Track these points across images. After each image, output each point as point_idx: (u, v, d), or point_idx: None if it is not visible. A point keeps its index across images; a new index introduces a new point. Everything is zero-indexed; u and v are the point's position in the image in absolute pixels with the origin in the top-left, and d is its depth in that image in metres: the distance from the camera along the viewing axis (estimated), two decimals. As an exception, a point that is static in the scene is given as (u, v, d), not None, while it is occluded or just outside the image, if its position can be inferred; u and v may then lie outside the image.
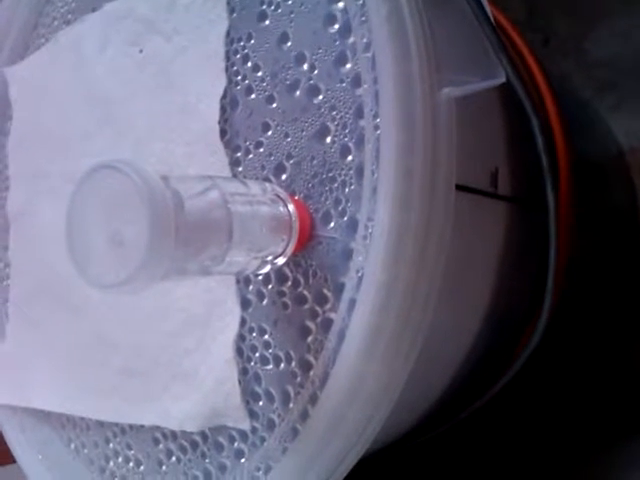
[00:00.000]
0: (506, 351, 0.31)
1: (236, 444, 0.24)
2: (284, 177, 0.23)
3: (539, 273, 0.29)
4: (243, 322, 0.24)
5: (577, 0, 0.39)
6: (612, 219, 0.37)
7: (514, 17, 0.38)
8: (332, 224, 0.22)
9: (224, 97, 0.24)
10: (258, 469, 0.23)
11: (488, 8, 0.22)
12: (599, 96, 0.38)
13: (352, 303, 0.21)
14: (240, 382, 0.24)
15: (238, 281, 0.24)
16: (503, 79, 0.21)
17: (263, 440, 0.23)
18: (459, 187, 0.23)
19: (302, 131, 0.22)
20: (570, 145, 0.31)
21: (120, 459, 0.29)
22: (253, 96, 0.24)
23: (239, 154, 0.24)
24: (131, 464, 0.28)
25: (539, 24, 0.40)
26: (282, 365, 0.23)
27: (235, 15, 0.25)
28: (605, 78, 0.38)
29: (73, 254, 0.17)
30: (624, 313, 0.35)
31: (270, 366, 0.23)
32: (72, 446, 0.31)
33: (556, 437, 0.35)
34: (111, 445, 0.29)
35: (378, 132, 0.20)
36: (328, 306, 0.22)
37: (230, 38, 0.25)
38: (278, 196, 0.21)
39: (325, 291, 0.22)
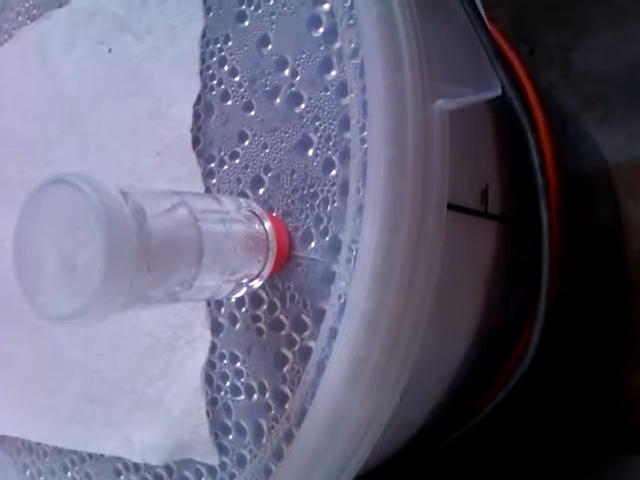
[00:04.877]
0: (494, 372, 0.30)
1: (203, 480, 0.22)
2: (261, 191, 0.21)
3: (527, 293, 0.28)
4: (213, 348, 0.22)
5: (563, 11, 0.38)
6: (596, 236, 0.36)
7: (498, 25, 0.37)
8: (313, 244, 0.20)
9: (198, 103, 0.23)
10: (227, 509, 0.21)
11: (484, 15, 0.21)
12: (585, 110, 0.38)
13: (333, 332, 0.19)
14: (209, 413, 0.22)
15: (209, 304, 0.22)
16: (499, 92, 0.20)
17: (233, 477, 0.21)
18: (449, 206, 0.22)
19: (282, 142, 0.21)
20: (560, 162, 0.29)
21: (78, 489, 0.27)
22: (229, 102, 0.22)
23: (213, 165, 0.22)
24: (90, 495, 0.26)
25: (524, 34, 0.39)
26: (255, 396, 0.21)
27: (212, 15, 0.23)
28: (591, 91, 0.37)
29: (21, 280, 0.15)
30: (609, 332, 0.35)
31: (242, 397, 0.21)
32: (27, 473, 0.29)
33: (544, 456, 0.34)
34: (69, 474, 0.27)
35: (365, 146, 0.19)
36: (307, 333, 0.20)
37: (206, 39, 0.23)
38: (254, 213, 0.19)
39: (304, 317, 0.20)
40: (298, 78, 0.21)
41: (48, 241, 0.14)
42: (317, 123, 0.20)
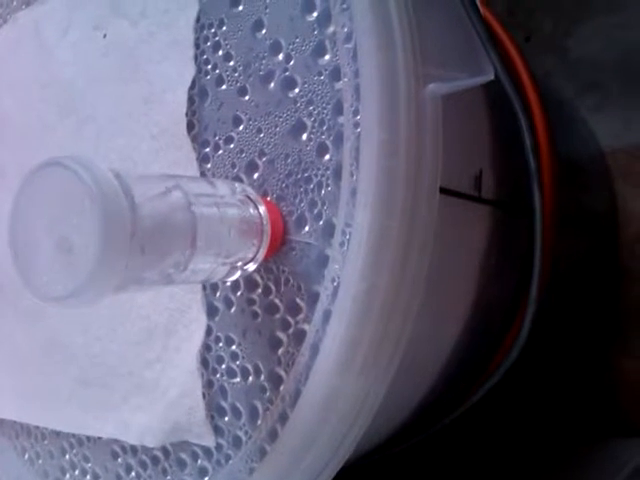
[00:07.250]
0: (486, 358, 0.30)
1: (199, 461, 0.23)
2: (256, 176, 0.21)
3: (520, 278, 0.28)
4: (209, 331, 0.22)
5: (559, -3, 0.38)
6: (591, 222, 0.36)
7: (493, 12, 0.37)
8: (307, 228, 0.20)
9: (192, 87, 0.23)
10: (223, 489, 0.22)
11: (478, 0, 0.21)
12: (581, 96, 0.37)
13: (327, 314, 0.19)
14: (204, 395, 0.22)
15: (204, 287, 0.22)
16: (492, 76, 0.20)
17: (228, 458, 0.22)
18: (442, 190, 0.22)
19: (276, 127, 0.21)
20: (554, 146, 0.29)
21: (77, 472, 0.27)
22: (224, 87, 0.22)
23: (208, 150, 0.22)
24: (88, 477, 0.27)
25: (520, 20, 0.39)
26: (250, 378, 0.21)
27: (206, -1, 0.23)
28: (587, 78, 0.37)
29: (17, 262, 0.15)
30: (603, 317, 0.35)
31: (237, 379, 0.21)
32: (26, 456, 0.29)
33: (537, 439, 0.34)
34: (67, 457, 0.28)
35: (358, 130, 0.19)
36: (301, 316, 0.20)
37: (200, 24, 0.23)
38: (248, 197, 0.19)
39: (298, 300, 0.20)
40: (292, 62, 0.21)
41: (43, 223, 0.15)
42: (311, 107, 0.20)
